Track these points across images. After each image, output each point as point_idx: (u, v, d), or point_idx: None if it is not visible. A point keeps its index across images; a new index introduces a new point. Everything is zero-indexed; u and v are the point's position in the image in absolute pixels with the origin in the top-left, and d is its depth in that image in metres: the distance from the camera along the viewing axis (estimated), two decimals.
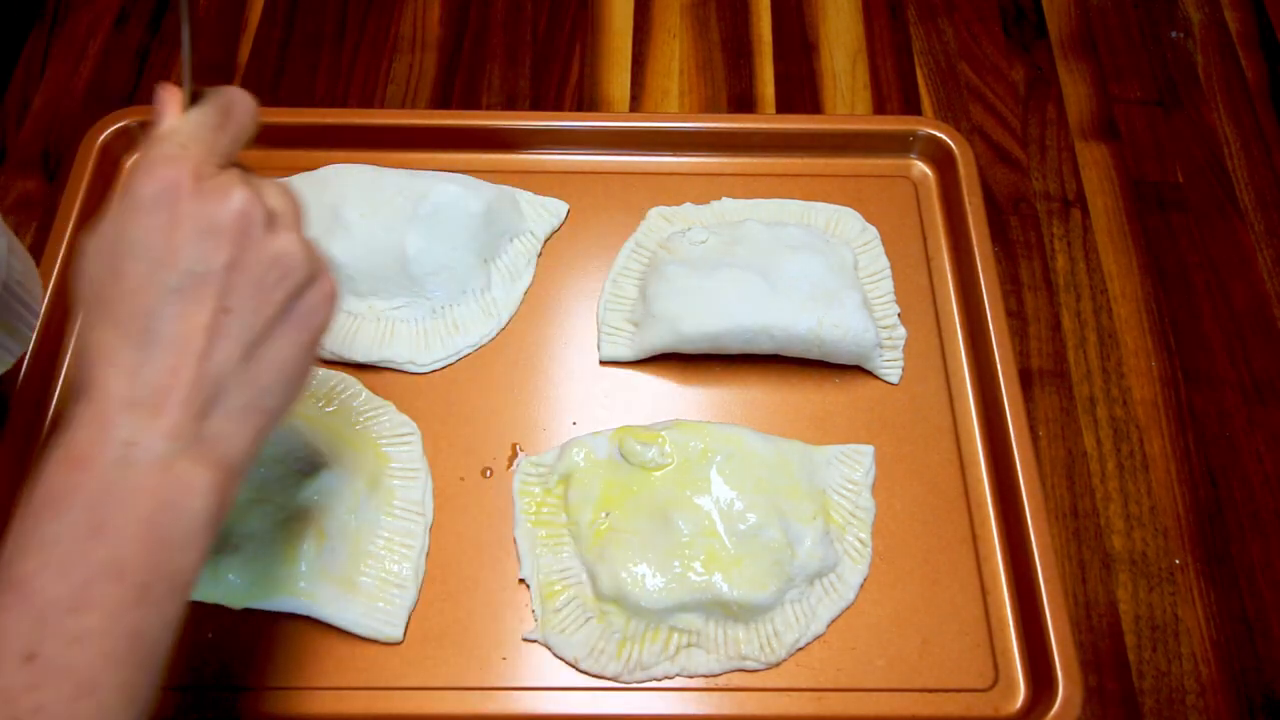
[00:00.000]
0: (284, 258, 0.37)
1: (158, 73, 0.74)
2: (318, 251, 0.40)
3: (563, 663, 0.52)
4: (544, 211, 0.66)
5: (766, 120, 0.71)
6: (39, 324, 0.52)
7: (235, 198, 0.36)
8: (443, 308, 0.61)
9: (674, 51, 0.76)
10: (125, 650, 0.33)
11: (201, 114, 0.38)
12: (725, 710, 0.51)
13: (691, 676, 0.52)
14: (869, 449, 0.58)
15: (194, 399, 0.35)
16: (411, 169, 0.65)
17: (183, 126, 0.38)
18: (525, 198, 0.66)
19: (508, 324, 0.62)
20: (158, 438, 0.35)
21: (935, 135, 0.68)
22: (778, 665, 0.52)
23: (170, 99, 0.38)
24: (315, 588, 0.52)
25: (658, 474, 0.55)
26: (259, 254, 0.37)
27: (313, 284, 0.39)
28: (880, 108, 0.74)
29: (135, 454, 0.34)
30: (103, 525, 0.33)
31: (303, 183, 0.64)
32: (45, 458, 0.35)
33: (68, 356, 0.60)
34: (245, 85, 0.73)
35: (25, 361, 0.57)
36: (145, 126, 0.67)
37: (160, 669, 0.35)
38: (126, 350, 0.35)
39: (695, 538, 0.52)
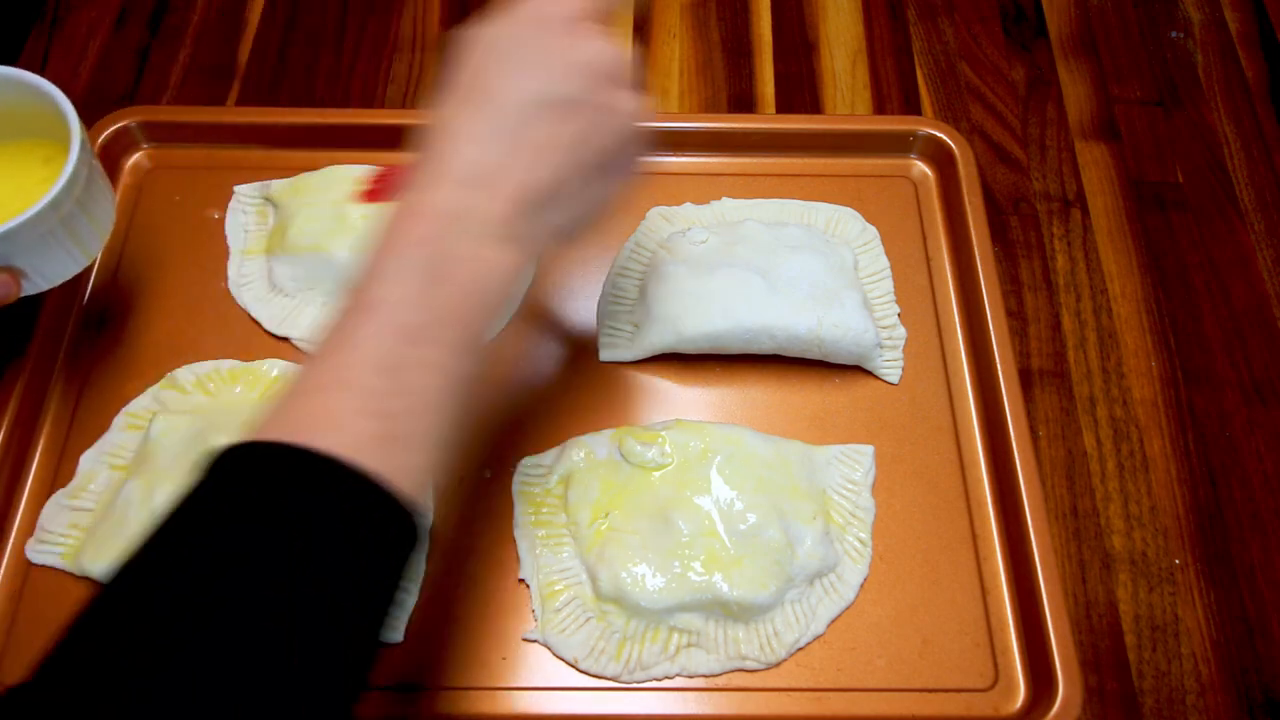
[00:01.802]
0: (637, 116, 0.42)
1: (158, 73, 0.74)
2: (648, 126, 0.44)
3: (563, 663, 0.52)
4: None
5: (766, 120, 0.71)
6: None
7: (621, 49, 0.42)
8: None
9: (674, 51, 0.76)
10: (455, 385, 0.38)
11: None
12: (725, 710, 0.51)
13: (691, 676, 0.52)
14: (869, 449, 0.58)
15: (524, 199, 0.40)
16: None
17: None
18: None
19: (508, 324, 0.62)
20: (489, 219, 0.39)
21: (935, 135, 0.68)
22: (778, 665, 0.52)
23: None
24: None
25: (658, 474, 0.55)
26: (622, 105, 0.42)
27: (641, 146, 0.44)
28: (880, 108, 0.74)
29: (469, 224, 0.39)
30: (443, 275, 0.38)
31: (303, 182, 0.64)
32: (393, 210, 0.39)
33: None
34: (245, 85, 0.74)
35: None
36: (145, 127, 0.67)
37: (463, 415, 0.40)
38: (478, 138, 0.40)
39: (695, 538, 0.52)
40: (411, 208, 0.39)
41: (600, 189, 0.43)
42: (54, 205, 0.49)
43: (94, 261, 0.56)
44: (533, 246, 0.42)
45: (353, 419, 0.35)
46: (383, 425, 0.35)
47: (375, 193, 0.62)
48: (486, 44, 0.41)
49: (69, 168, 0.50)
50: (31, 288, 0.52)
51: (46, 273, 0.52)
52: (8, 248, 0.49)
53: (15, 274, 0.51)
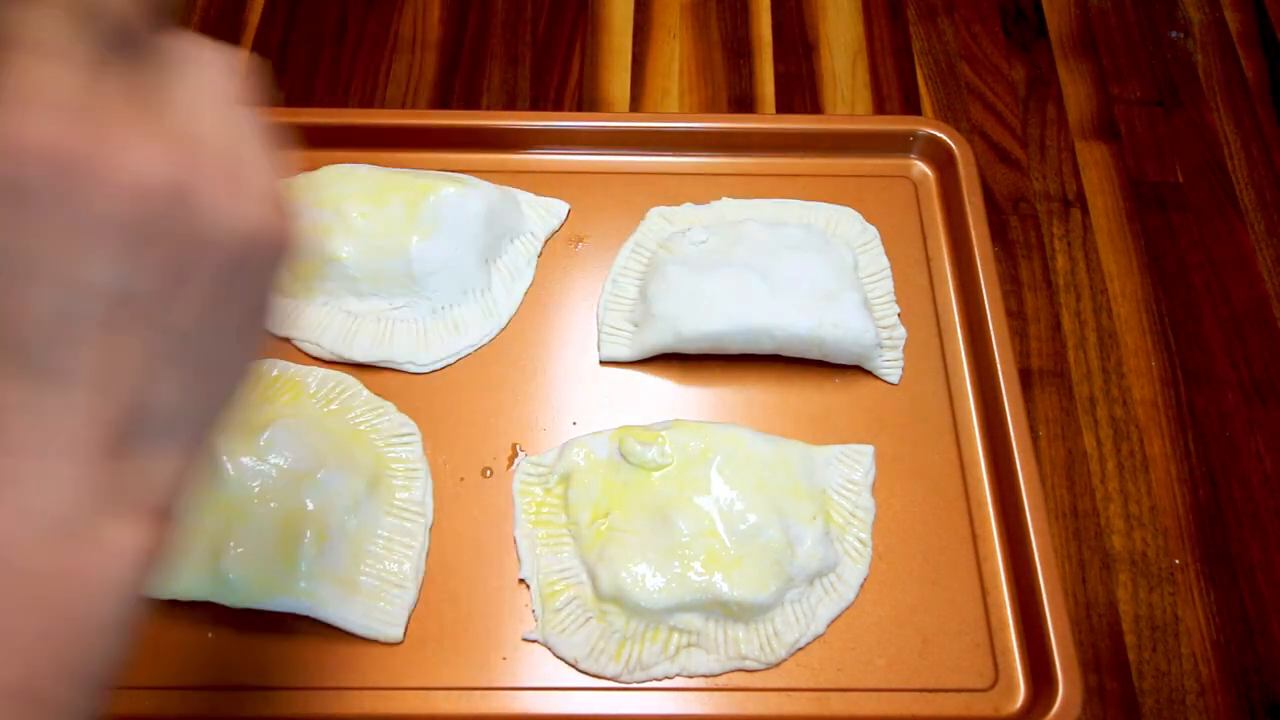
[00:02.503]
0: (250, 249, 0.26)
1: None
2: (272, 187, 0.28)
3: (563, 663, 0.52)
4: (544, 212, 0.66)
5: (766, 120, 0.71)
6: None
7: (156, 166, 0.24)
8: (443, 308, 0.61)
9: (674, 51, 0.76)
10: None
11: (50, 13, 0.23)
12: (725, 710, 0.51)
13: (691, 676, 0.52)
14: (869, 449, 0.58)
15: (107, 435, 0.25)
16: (411, 169, 0.65)
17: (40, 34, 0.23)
18: (525, 198, 0.66)
19: (508, 324, 0.62)
20: (65, 500, 0.25)
21: (935, 135, 0.68)
22: (778, 665, 0.52)
23: None
24: (315, 588, 0.52)
25: (657, 474, 0.55)
26: (207, 255, 0.25)
27: (283, 259, 0.28)
28: (880, 108, 0.74)
29: (33, 522, 0.24)
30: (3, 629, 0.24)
31: (303, 183, 0.64)
32: None
33: None
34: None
35: None
36: None
37: None
38: (34, 407, 0.24)
39: (695, 538, 0.52)
40: None
41: (244, 347, 0.28)
42: None
43: None
44: (157, 480, 0.26)
45: None
46: None
47: None
48: None
49: None
50: None
51: None
52: None
53: None
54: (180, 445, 0.27)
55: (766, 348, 0.59)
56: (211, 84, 0.26)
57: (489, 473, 0.57)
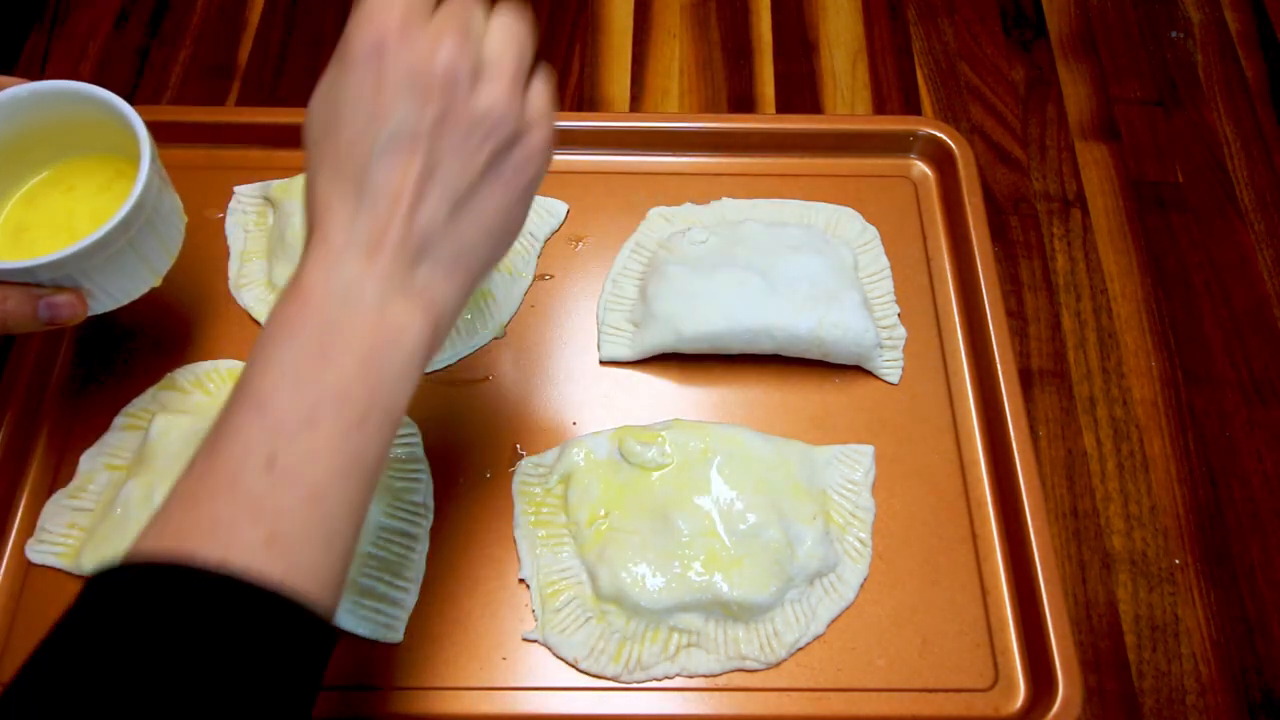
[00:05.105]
0: (489, 114, 0.38)
1: (158, 73, 0.74)
2: (538, 101, 0.40)
3: (563, 663, 0.52)
4: (543, 212, 0.66)
5: (766, 120, 0.71)
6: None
7: (443, 50, 0.37)
8: None
9: (674, 51, 0.76)
10: (348, 467, 0.36)
11: None
12: (725, 710, 0.51)
13: (691, 676, 0.52)
14: (869, 449, 0.58)
15: (404, 249, 0.37)
16: None
17: None
18: None
19: (508, 324, 0.62)
20: (373, 281, 0.37)
21: (935, 135, 0.68)
22: (778, 665, 0.52)
23: None
24: None
25: (657, 474, 0.55)
26: (463, 111, 0.38)
27: (520, 140, 0.40)
28: (880, 108, 0.74)
29: (354, 294, 0.37)
30: (329, 355, 0.36)
31: (303, 183, 0.64)
32: (280, 295, 0.38)
33: None
34: (245, 85, 0.74)
35: None
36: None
37: (374, 488, 0.38)
38: (344, 201, 0.37)
39: (695, 538, 0.52)
40: (293, 290, 0.37)
41: (498, 200, 0.40)
42: (124, 225, 0.47)
43: (160, 280, 0.53)
44: (436, 292, 0.39)
45: (239, 524, 0.33)
46: (271, 526, 0.33)
47: None
48: (323, 98, 0.39)
49: (139, 186, 0.48)
50: (99, 307, 0.50)
51: (114, 292, 0.50)
52: (77, 268, 0.47)
53: (82, 294, 0.49)
54: (456, 278, 0.39)
55: (766, 348, 0.59)
56: (506, 26, 0.40)
57: (489, 473, 0.57)
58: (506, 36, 0.39)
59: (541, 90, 0.41)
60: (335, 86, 0.38)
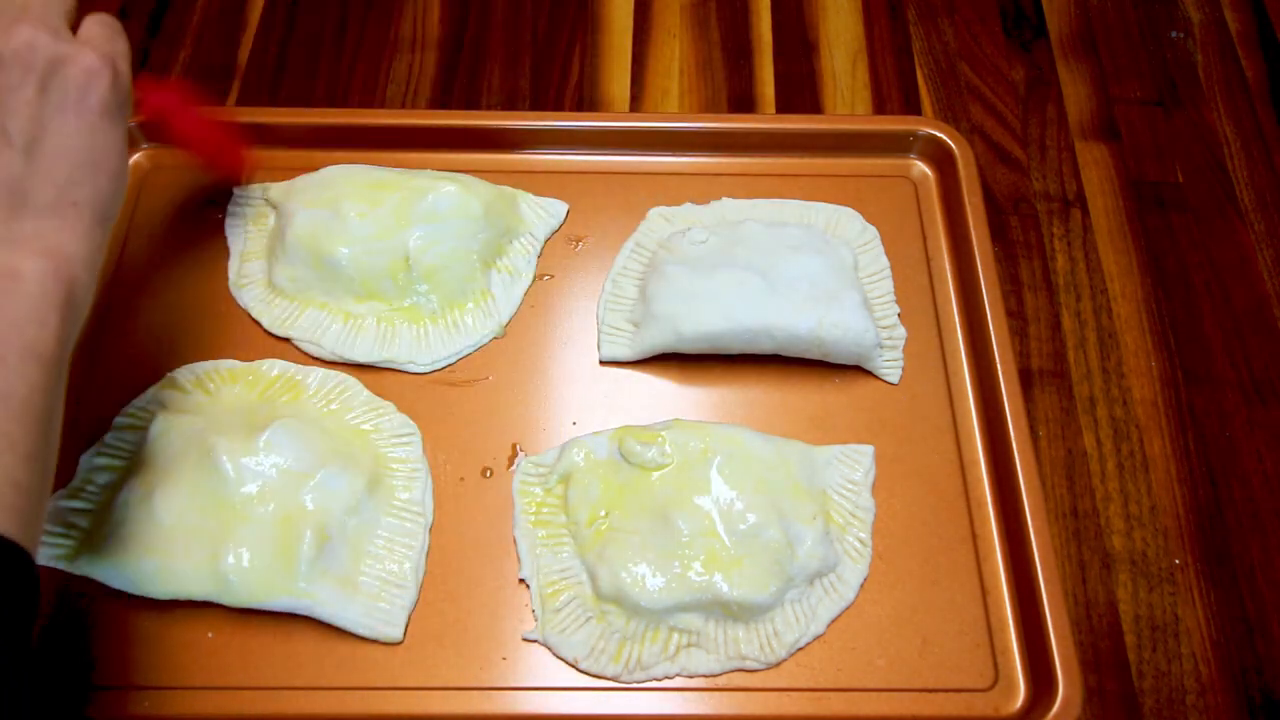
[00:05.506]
0: (20, 49, 0.41)
1: (158, 73, 0.74)
2: (88, 30, 0.42)
3: (563, 663, 0.52)
4: (544, 212, 0.66)
5: (766, 120, 0.71)
6: None
7: (20, 38, 0.40)
8: (443, 308, 0.61)
9: (674, 51, 0.76)
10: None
11: None
12: (725, 710, 0.51)
13: (691, 676, 0.52)
14: (869, 449, 0.58)
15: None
16: (412, 169, 0.65)
17: None
18: (525, 198, 0.66)
19: (508, 324, 0.62)
20: None
21: (935, 135, 0.68)
22: (778, 665, 0.52)
23: None
24: (315, 588, 0.52)
25: (657, 474, 0.55)
26: (20, 41, 0.40)
27: (65, 64, 0.41)
28: (880, 108, 0.74)
29: None
30: None
31: (303, 183, 0.64)
32: None
33: None
34: (245, 85, 0.74)
35: None
36: (144, 127, 0.67)
37: (46, 426, 0.39)
38: None
39: (695, 538, 0.52)
40: None
41: (74, 128, 0.42)
42: None
43: None
44: (53, 237, 0.41)
45: None
46: None
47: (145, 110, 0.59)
48: None
49: None
50: None
51: None
52: None
53: None
54: (68, 218, 0.42)
55: (766, 348, 0.59)
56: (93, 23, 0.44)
57: (489, 473, 0.57)
58: None
59: (93, 22, 0.43)
60: None
